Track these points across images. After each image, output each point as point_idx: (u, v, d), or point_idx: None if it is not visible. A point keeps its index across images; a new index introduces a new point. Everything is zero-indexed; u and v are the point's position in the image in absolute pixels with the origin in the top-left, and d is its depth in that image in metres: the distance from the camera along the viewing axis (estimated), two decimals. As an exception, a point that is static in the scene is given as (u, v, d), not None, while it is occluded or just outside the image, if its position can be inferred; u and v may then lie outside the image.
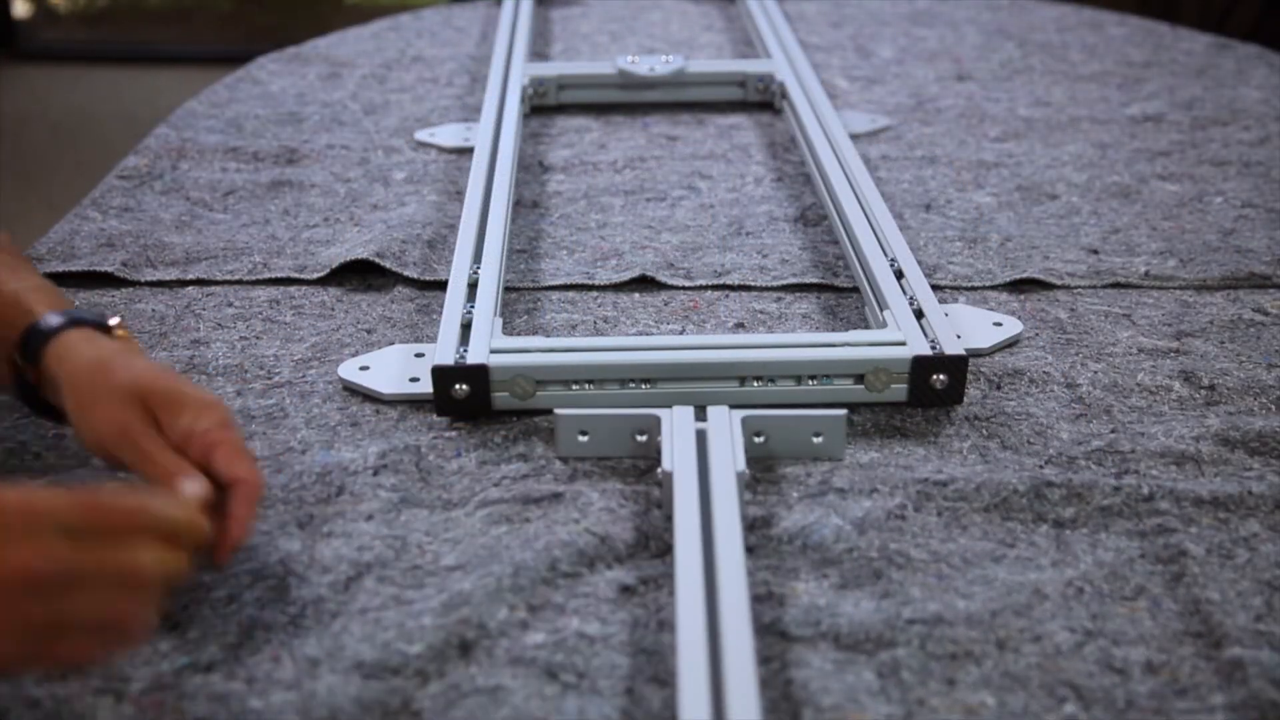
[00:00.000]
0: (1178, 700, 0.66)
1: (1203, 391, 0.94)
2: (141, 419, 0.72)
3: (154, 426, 0.72)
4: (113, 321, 0.81)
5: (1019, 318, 1.04)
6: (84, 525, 0.58)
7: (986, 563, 0.76)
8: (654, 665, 0.68)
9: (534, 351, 0.91)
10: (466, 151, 1.35)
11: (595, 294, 1.08)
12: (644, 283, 1.10)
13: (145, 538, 0.60)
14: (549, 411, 0.89)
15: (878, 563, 0.76)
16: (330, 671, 0.67)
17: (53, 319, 0.78)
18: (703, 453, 0.81)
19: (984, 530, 0.79)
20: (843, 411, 0.85)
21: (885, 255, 1.04)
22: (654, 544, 0.78)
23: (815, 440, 0.86)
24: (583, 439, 0.86)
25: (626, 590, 0.74)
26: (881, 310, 0.97)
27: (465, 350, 0.91)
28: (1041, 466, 0.85)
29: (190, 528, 0.63)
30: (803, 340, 0.92)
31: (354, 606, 0.72)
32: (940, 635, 0.70)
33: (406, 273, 1.11)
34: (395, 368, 0.96)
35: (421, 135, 1.42)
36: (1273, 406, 0.92)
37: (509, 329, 1.02)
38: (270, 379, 0.95)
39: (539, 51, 1.74)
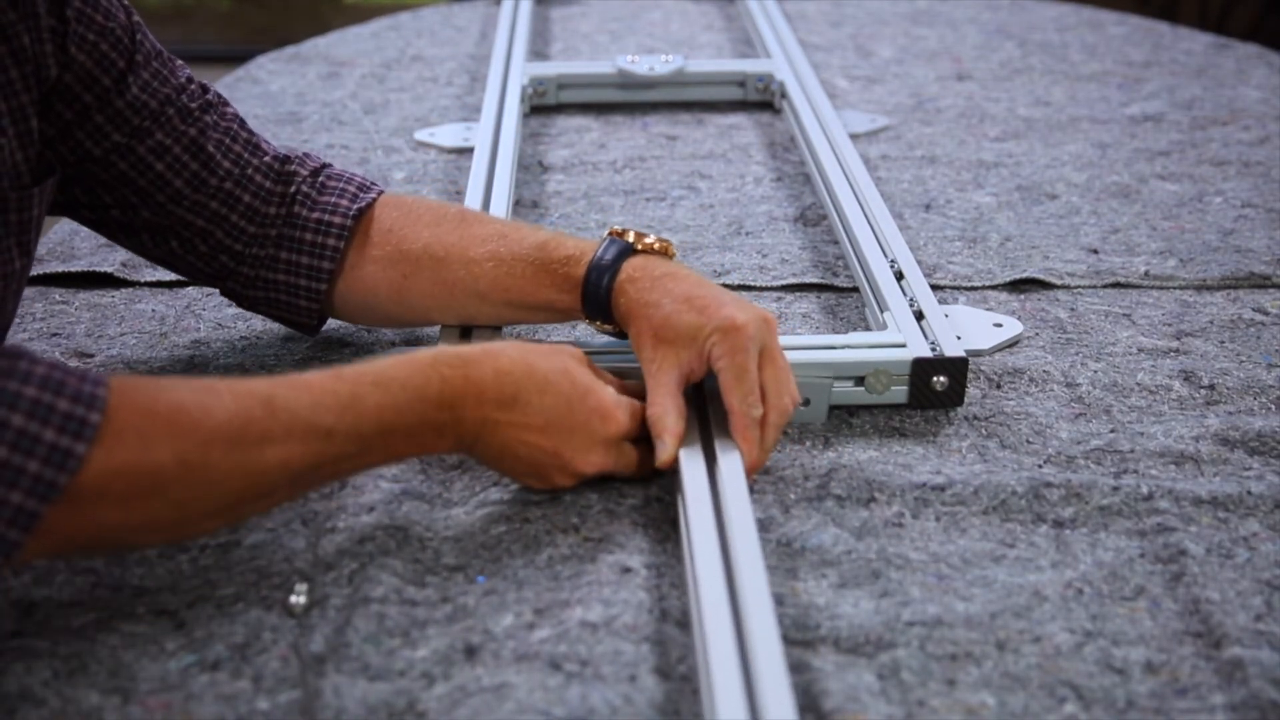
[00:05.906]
0: (1178, 700, 0.66)
1: (1203, 391, 0.94)
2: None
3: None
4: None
5: (1019, 317, 1.04)
6: (634, 433, 0.80)
7: (986, 563, 0.76)
8: (657, 654, 0.68)
9: (535, 352, 0.91)
10: (466, 151, 1.35)
11: (596, 294, 1.08)
12: (644, 283, 1.10)
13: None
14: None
15: (876, 564, 0.76)
16: (336, 671, 0.67)
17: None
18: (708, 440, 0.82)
19: (983, 531, 0.79)
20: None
21: (885, 256, 1.04)
22: (652, 533, 0.78)
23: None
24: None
25: (627, 571, 0.74)
26: (882, 311, 0.97)
27: (467, 351, 0.91)
28: (1040, 466, 0.85)
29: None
30: (803, 342, 0.92)
31: (357, 596, 0.72)
32: (940, 636, 0.70)
33: (407, 273, 1.11)
34: (397, 368, 0.96)
35: (421, 135, 1.42)
36: (1273, 406, 0.92)
37: (508, 329, 1.03)
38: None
39: (539, 51, 1.74)
